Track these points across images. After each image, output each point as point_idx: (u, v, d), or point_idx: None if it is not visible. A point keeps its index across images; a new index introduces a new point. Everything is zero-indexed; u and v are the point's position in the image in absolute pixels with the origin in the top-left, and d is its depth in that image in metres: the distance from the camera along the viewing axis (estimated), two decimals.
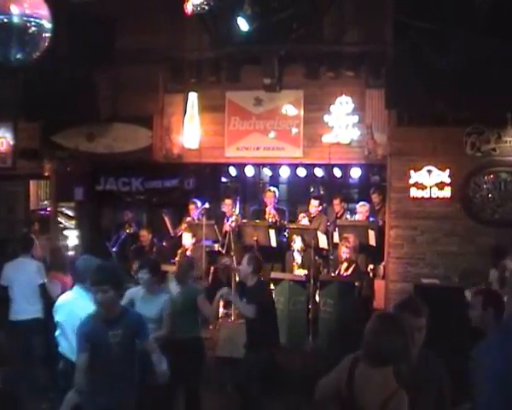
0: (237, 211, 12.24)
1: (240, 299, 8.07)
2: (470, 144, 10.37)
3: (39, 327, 8.76)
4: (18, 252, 9.27)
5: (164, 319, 7.25)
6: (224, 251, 11.53)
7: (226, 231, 11.69)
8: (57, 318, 6.29)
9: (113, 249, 12.21)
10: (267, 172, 13.95)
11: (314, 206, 12.02)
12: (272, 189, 12.42)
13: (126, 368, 5.46)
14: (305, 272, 10.72)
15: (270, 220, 11.74)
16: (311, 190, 14.60)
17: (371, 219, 11.63)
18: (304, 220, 11.98)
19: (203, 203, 11.70)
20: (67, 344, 6.18)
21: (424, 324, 4.45)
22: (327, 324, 10.24)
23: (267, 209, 12.06)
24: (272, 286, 11.12)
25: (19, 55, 5.41)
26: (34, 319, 8.90)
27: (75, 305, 6.12)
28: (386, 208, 11.10)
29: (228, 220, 11.86)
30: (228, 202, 12.27)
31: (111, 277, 5.36)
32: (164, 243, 12.27)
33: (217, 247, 11.73)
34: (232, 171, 13.02)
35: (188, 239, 11.48)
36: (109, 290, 5.25)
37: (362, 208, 11.78)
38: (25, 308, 8.93)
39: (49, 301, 7.24)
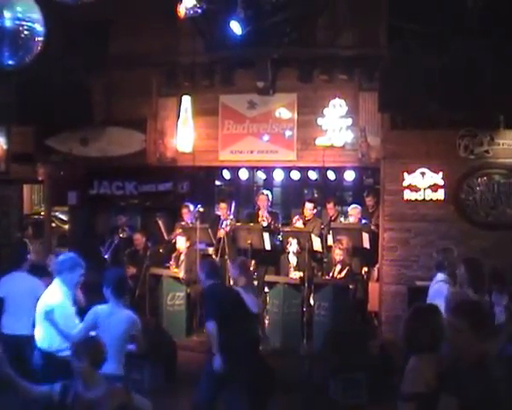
0: (231, 215, 12.24)
1: None
2: (463, 147, 10.39)
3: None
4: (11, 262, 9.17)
5: None
6: (218, 255, 11.52)
7: (220, 236, 11.70)
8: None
9: (106, 255, 12.19)
10: (261, 175, 13.97)
11: (308, 209, 12.03)
12: (265, 192, 12.41)
13: None
14: (301, 274, 10.72)
15: (263, 224, 11.75)
16: (305, 193, 14.61)
17: (363, 221, 11.65)
18: (298, 223, 11.98)
19: (196, 207, 11.70)
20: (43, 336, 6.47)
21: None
22: (321, 327, 10.24)
23: (260, 212, 12.07)
24: (267, 289, 11.15)
25: (11, 59, 5.40)
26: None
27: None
28: (379, 211, 11.11)
29: (223, 224, 11.87)
30: (223, 205, 12.27)
31: None
32: (161, 250, 12.22)
33: (211, 250, 11.73)
34: (226, 174, 13.04)
35: (182, 243, 11.48)
36: None
37: (353, 211, 11.79)
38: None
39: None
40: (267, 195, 12.24)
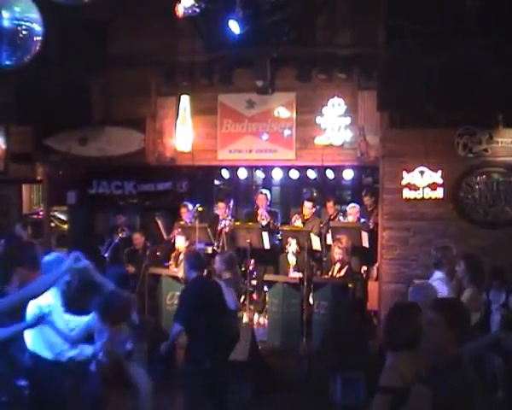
0: (230, 214, 12.24)
1: None
2: (462, 145, 10.40)
3: None
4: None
5: None
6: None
7: (220, 234, 11.71)
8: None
9: (105, 254, 12.19)
10: (260, 174, 13.97)
11: (308, 208, 12.04)
12: (264, 191, 12.43)
13: None
14: (300, 274, 10.73)
15: (262, 223, 11.76)
16: (304, 192, 14.61)
17: (362, 220, 11.67)
18: (297, 222, 11.99)
19: (194, 206, 11.71)
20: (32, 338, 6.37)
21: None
22: (321, 326, 10.25)
23: (259, 211, 12.08)
24: (266, 288, 11.16)
25: (10, 59, 5.41)
26: None
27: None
28: (378, 210, 11.12)
29: (222, 224, 11.89)
30: (221, 205, 12.28)
31: None
32: (158, 253, 12.20)
33: (210, 249, 11.73)
34: (225, 173, 13.04)
35: (181, 242, 11.48)
36: None
37: (352, 210, 11.80)
38: None
39: None
40: (266, 194, 12.25)
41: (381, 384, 4.29)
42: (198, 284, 7.41)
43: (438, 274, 7.37)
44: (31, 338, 6.40)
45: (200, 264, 7.64)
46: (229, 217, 12.08)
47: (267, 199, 12.25)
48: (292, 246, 11.11)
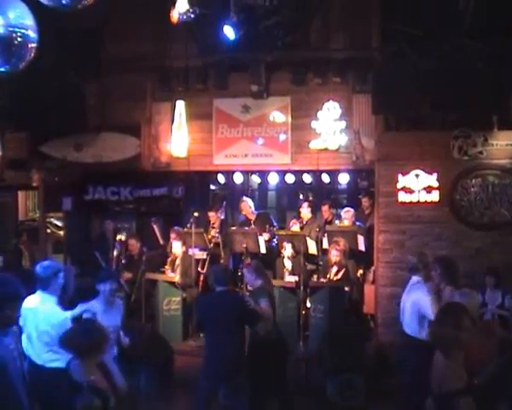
0: (218, 227, 12.25)
1: None
2: (457, 148, 10.40)
3: None
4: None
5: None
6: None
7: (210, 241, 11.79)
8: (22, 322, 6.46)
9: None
10: (255, 179, 13.99)
11: (306, 212, 12.07)
12: (244, 198, 12.63)
13: None
14: (296, 278, 10.73)
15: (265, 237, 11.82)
16: (300, 196, 14.61)
17: (357, 223, 11.69)
18: (295, 227, 12.01)
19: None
20: (31, 347, 6.46)
21: None
22: (318, 329, 10.25)
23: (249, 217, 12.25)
24: None
25: (4, 66, 5.40)
26: None
27: (40, 309, 6.47)
28: (374, 213, 11.13)
29: (211, 232, 11.96)
30: (211, 214, 12.29)
31: None
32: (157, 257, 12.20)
33: (205, 255, 11.73)
34: (221, 178, 13.04)
35: (178, 247, 11.48)
36: None
37: (347, 214, 11.84)
38: None
39: None
40: (246, 201, 12.39)
41: (457, 388, 4.29)
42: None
43: (415, 278, 7.72)
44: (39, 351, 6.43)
45: (225, 278, 7.69)
46: (217, 230, 12.09)
47: (249, 205, 12.41)
48: (287, 250, 11.11)
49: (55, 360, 6.34)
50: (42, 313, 6.43)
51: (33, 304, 6.48)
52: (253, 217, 12.34)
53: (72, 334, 5.58)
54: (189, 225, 11.47)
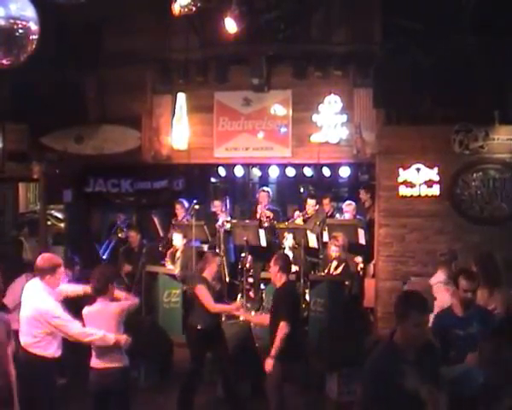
0: (227, 211, 12.26)
1: None
2: (458, 142, 10.39)
3: None
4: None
5: None
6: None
7: (218, 231, 11.75)
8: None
9: (103, 256, 12.20)
10: (256, 172, 13.99)
11: (311, 205, 12.07)
12: (266, 189, 12.54)
13: None
14: (297, 268, 10.70)
15: (264, 221, 11.79)
16: (301, 190, 14.62)
17: (358, 217, 11.69)
18: (298, 220, 12.01)
19: (190, 203, 11.69)
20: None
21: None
22: (317, 323, 10.25)
23: (258, 209, 12.11)
24: (263, 286, 11.16)
25: (5, 58, 5.39)
26: None
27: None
28: (375, 207, 11.13)
29: (219, 221, 11.91)
30: (217, 203, 12.29)
31: None
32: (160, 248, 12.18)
33: (206, 247, 11.73)
34: (221, 171, 13.05)
35: (178, 240, 11.47)
36: None
37: (348, 207, 11.85)
38: None
39: None
40: (268, 192, 12.32)
41: None
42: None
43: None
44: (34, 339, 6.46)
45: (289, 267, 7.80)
46: (227, 214, 12.10)
47: (269, 197, 12.32)
48: (288, 241, 11.11)
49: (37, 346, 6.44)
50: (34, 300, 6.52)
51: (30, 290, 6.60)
52: (265, 211, 12.17)
53: None
54: (189, 218, 11.48)
